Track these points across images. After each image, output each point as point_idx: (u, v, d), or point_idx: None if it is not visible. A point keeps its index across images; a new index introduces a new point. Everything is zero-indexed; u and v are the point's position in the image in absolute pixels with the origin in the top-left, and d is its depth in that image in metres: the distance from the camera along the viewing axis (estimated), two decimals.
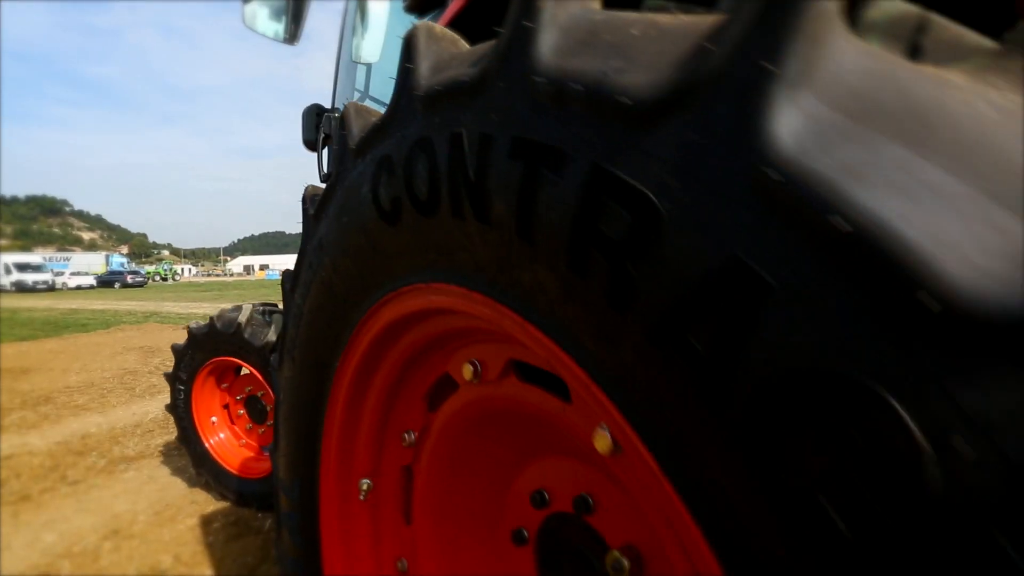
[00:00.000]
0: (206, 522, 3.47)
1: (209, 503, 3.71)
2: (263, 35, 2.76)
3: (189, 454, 3.81)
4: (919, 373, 0.38)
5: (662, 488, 0.60)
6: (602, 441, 0.75)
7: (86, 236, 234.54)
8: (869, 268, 0.40)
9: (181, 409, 3.76)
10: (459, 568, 1.38)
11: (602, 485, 1.05)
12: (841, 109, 0.44)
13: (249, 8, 2.66)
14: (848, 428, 0.42)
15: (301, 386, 1.49)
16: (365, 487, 1.43)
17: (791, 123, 0.44)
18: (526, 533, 1.21)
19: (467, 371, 1.19)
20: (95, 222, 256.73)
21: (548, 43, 0.66)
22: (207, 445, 3.69)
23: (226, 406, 3.86)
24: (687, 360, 0.52)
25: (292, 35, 2.75)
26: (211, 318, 3.46)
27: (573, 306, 0.67)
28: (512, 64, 0.70)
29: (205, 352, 3.56)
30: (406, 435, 1.41)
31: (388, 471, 1.46)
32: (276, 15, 2.72)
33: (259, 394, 3.70)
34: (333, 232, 1.28)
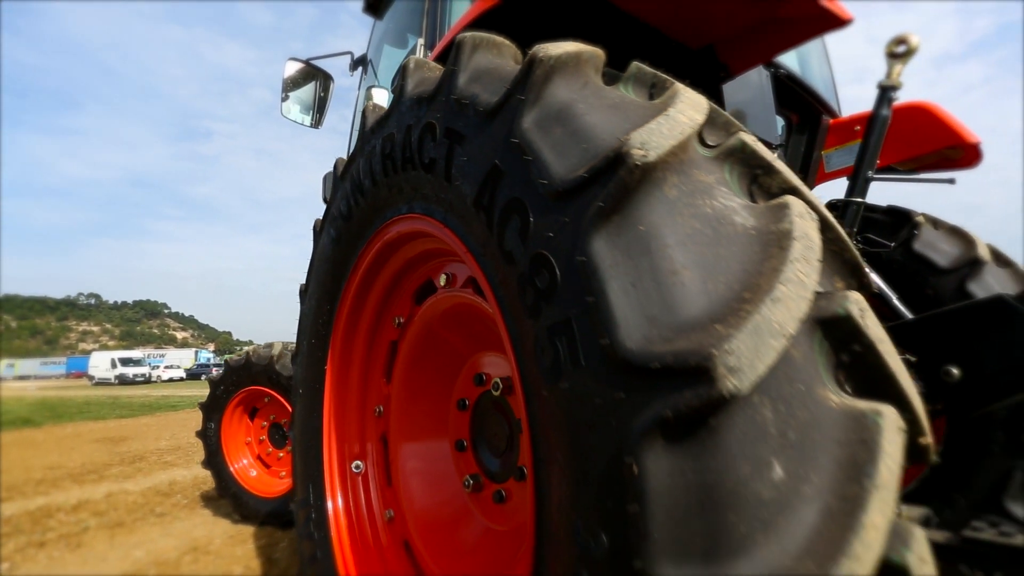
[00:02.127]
0: (275, 542, 3.69)
1: (279, 530, 3.92)
2: (295, 123, 3.73)
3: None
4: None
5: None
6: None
7: (179, 335, 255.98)
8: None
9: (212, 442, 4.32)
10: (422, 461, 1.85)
11: (488, 362, 1.60)
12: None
13: (285, 104, 3.63)
14: None
15: (306, 404, 1.97)
16: (357, 467, 1.88)
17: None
18: (467, 401, 1.72)
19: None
20: (188, 322, 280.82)
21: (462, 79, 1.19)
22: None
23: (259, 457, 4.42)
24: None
25: (317, 122, 3.76)
26: (247, 352, 4.05)
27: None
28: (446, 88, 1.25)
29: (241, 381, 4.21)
30: (377, 409, 1.89)
31: (371, 446, 1.91)
32: (305, 108, 3.71)
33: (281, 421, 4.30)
34: (323, 246, 1.88)
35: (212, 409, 4.31)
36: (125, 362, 50.73)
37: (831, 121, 2.56)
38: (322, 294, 1.87)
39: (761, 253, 0.76)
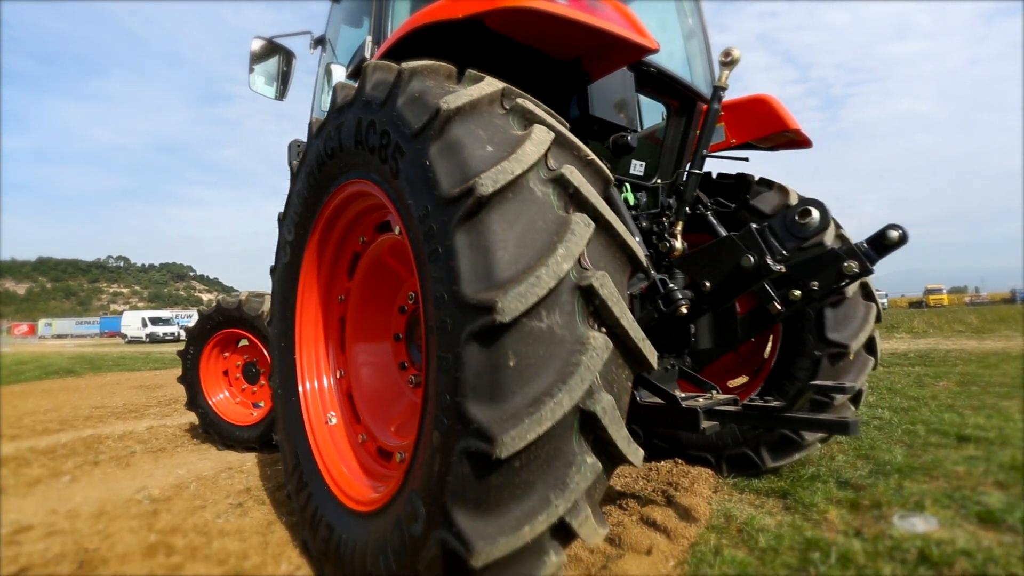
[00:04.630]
0: None
1: None
2: (261, 95, 4.02)
3: None
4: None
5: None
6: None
7: (205, 297, 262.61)
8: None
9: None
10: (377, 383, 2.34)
11: (405, 293, 2.16)
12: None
13: (252, 77, 3.91)
14: None
15: (285, 396, 2.35)
16: (331, 420, 2.29)
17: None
18: (400, 334, 2.26)
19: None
20: (213, 284, 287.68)
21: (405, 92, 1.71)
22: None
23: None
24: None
25: (281, 94, 4.07)
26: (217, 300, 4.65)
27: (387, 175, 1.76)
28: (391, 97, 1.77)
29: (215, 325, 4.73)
30: (338, 372, 2.33)
31: (339, 402, 2.34)
32: (269, 81, 4.00)
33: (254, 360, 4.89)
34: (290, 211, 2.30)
35: (195, 339, 4.93)
36: (155, 321, 52.71)
37: (703, 107, 2.97)
38: (283, 305, 2.30)
39: (553, 234, 1.37)
